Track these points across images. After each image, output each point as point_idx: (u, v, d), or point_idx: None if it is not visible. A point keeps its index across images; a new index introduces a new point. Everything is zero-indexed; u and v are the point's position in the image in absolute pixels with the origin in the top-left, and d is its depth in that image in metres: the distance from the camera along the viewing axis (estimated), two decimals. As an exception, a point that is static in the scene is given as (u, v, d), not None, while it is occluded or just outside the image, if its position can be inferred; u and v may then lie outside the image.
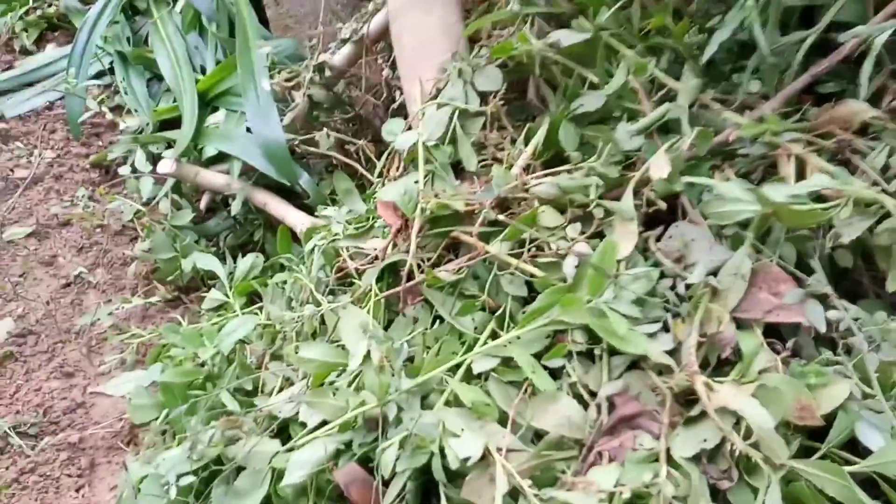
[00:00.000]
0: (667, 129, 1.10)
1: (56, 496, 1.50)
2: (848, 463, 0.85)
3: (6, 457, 1.55)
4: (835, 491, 0.81)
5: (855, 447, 0.91)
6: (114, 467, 1.58)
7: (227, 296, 1.83)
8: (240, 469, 1.27)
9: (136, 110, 2.29)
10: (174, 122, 2.19)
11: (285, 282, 1.70)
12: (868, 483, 0.85)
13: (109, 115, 2.42)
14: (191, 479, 1.24)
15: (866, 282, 1.00)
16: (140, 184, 2.05)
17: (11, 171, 2.31)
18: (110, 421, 1.66)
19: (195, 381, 1.50)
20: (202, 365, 1.54)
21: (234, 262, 1.91)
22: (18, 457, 1.55)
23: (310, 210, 1.86)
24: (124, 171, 2.04)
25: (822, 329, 0.91)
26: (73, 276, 2.02)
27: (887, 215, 0.88)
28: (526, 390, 1.09)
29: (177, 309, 1.97)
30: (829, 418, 0.88)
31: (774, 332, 0.95)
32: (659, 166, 0.98)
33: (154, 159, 2.07)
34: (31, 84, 2.54)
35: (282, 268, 1.84)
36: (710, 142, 1.02)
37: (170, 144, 2.09)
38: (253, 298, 1.85)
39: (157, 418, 1.49)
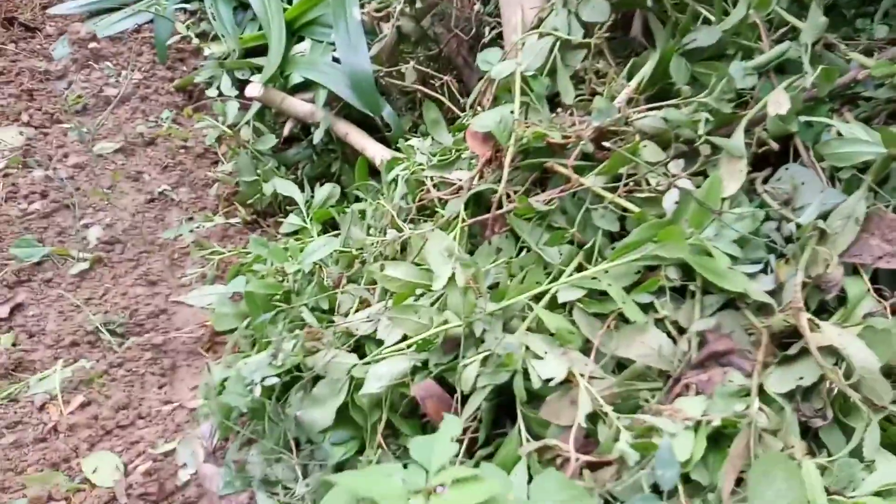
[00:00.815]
0: (783, 69, 1.07)
1: (141, 390, 1.59)
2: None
3: (98, 351, 1.65)
4: (936, 438, 0.80)
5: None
6: (193, 370, 1.67)
7: (304, 221, 1.88)
8: (317, 378, 1.32)
9: (222, 36, 2.33)
10: (259, 51, 2.23)
11: (364, 210, 1.73)
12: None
13: (195, 41, 2.47)
14: (274, 380, 1.31)
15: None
16: (225, 108, 2.10)
17: (101, 89, 2.40)
18: (191, 328, 1.74)
19: (276, 295, 1.56)
20: (283, 281, 1.60)
21: (312, 191, 1.96)
22: (108, 352, 1.65)
23: (388, 145, 1.88)
24: (211, 93, 2.09)
25: (935, 280, 0.89)
26: (157, 193, 2.10)
27: None
28: (610, 323, 1.10)
29: (254, 231, 2.03)
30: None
31: (884, 280, 0.93)
32: (777, 102, 0.96)
33: (239, 85, 2.12)
34: (122, 6, 2.60)
35: (357, 199, 1.88)
36: (834, 81, 0.99)
37: (255, 71, 2.13)
38: (328, 228, 1.90)
39: (239, 327, 1.56)
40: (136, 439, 1.50)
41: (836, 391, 0.85)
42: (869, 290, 0.91)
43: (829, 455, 0.84)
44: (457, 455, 1.15)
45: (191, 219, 2.05)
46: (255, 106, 2.05)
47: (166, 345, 1.71)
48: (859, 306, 0.89)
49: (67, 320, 1.70)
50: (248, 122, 2.06)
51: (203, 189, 2.14)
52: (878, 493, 0.72)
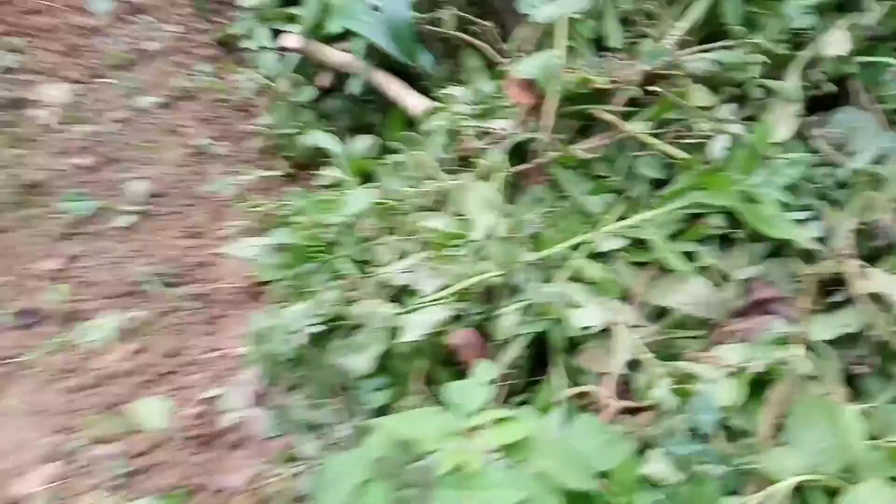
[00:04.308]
0: (843, 7, 1.01)
1: (188, 338, 1.65)
2: None
3: (146, 300, 1.71)
4: None
5: None
6: (237, 319, 1.72)
7: (342, 174, 1.89)
8: (357, 327, 1.35)
9: (257, -13, 2.30)
10: (295, 0, 2.20)
11: (401, 162, 1.73)
12: None
13: (229, -8, 2.45)
14: (317, 328, 1.34)
15: None
16: (262, 59, 2.09)
17: (141, 43, 2.42)
18: (234, 279, 1.79)
19: (317, 246, 1.58)
20: (324, 232, 1.62)
21: (349, 143, 1.96)
22: (157, 301, 1.71)
23: (426, 95, 1.85)
24: (247, 45, 2.09)
25: None
26: (199, 146, 2.13)
27: None
28: (652, 273, 1.09)
29: (293, 184, 2.05)
30: None
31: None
32: (836, 42, 0.91)
33: (276, 36, 2.11)
34: (158, -42, 2.59)
35: (394, 152, 1.88)
36: (900, 18, 0.93)
37: (292, 21, 2.11)
38: (366, 180, 1.90)
39: (282, 277, 1.59)
40: (185, 385, 1.57)
41: (880, 339, 0.83)
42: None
43: (871, 402, 0.82)
44: (493, 400, 1.18)
45: (231, 172, 2.08)
46: (293, 57, 2.04)
47: (211, 295, 1.77)
48: (913, 254, 0.86)
49: (117, 271, 1.77)
50: (285, 74, 2.05)
51: (243, 142, 2.16)
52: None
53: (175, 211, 1.95)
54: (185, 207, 1.97)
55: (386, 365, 1.32)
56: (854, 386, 0.86)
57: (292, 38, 1.91)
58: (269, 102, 2.08)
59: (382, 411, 1.34)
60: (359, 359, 1.34)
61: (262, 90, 2.14)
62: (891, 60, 0.91)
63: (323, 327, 1.31)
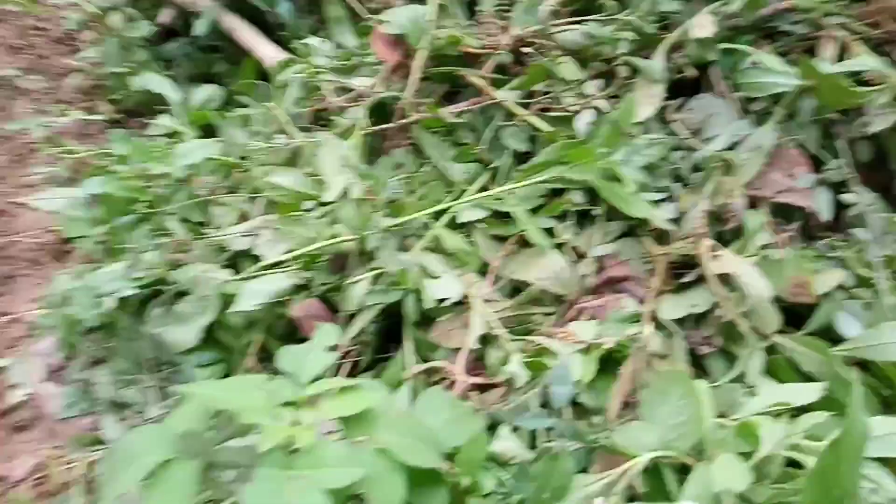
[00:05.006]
0: (708, -5, 1.03)
1: (-32, 300, 1.36)
2: (825, 345, 0.86)
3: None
4: (814, 367, 0.82)
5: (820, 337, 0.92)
6: (35, 280, 1.45)
7: (178, 124, 1.67)
8: (182, 294, 1.18)
9: None
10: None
11: (248, 116, 1.56)
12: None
13: None
14: (131, 293, 1.15)
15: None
16: (92, -15, 1.80)
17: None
18: (35, 233, 1.51)
19: (140, 199, 1.37)
20: (149, 186, 1.41)
21: (189, 92, 1.74)
22: (-73, 254, 1.39)
23: (283, 47, 1.70)
24: (74, -34, 1.79)
25: (826, 217, 0.90)
26: (2, 78, 1.79)
27: (917, 113, 0.87)
28: (510, 247, 1.05)
29: (119, 131, 1.78)
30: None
31: (781, 214, 0.94)
32: (702, 25, 0.92)
33: (110, -39, 1.83)
34: None
35: (243, 106, 1.70)
36: (759, 9, 0.96)
37: (129, -54, 1.84)
38: (207, 134, 1.70)
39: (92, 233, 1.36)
40: (-39, 355, 1.29)
41: (726, 319, 0.84)
42: (768, 222, 0.91)
43: (714, 381, 0.84)
44: (334, 369, 1.08)
45: (42, 111, 1.77)
46: (128, -13, 1.77)
47: (4, 250, 1.48)
48: (756, 238, 0.89)
49: None
50: (119, 6, 1.78)
51: (59, 79, 1.85)
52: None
53: (-38, 149, 1.62)
54: (-23, 146, 1.64)
55: (214, 338, 1.17)
56: (699, 366, 0.87)
57: (128, -37, 1.65)
58: (95, 37, 1.80)
59: (207, 389, 1.19)
60: (182, 330, 1.17)
61: (88, 22, 1.85)
62: (748, 48, 0.94)
63: (139, 292, 1.13)
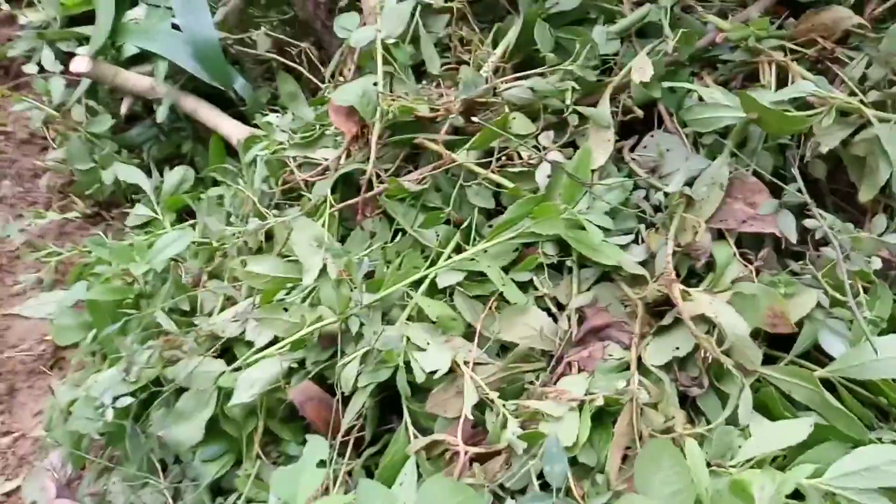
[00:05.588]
0: (644, 33, 1.05)
1: (-28, 423, 1.37)
2: (811, 370, 0.87)
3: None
4: (802, 395, 0.83)
5: (808, 357, 0.94)
6: (36, 392, 1.46)
7: (154, 211, 1.69)
8: (181, 391, 1.19)
9: (39, 2, 2.01)
10: (84, 18, 1.94)
11: (222, 196, 1.57)
12: (827, 388, 0.88)
13: (6, 7, 2.12)
14: (128, 400, 1.16)
15: (829, 196, 1.02)
16: (49, 85, 1.82)
17: None
18: (30, 344, 1.52)
19: (125, 299, 1.38)
20: (132, 283, 1.42)
21: (161, 176, 1.76)
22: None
23: (245, 120, 1.71)
24: (30, 69, 1.80)
25: (794, 239, 0.91)
26: (-26, 188, 1.80)
27: (863, 126, 0.88)
28: (492, 305, 1.06)
29: (97, 226, 1.80)
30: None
31: (747, 244, 0.95)
32: (641, 69, 0.94)
33: (64, 59, 1.84)
34: None
35: (215, 183, 1.71)
36: (694, 45, 0.98)
37: (81, 42, 1.85)
38: (184, 216, 1.71)
39: (84, 340, 1.37)
40: (-29, 480, 1.30)
41: (710, 359, 0.86)
42: (735, 254, 0.92)
43: (708, 422, 0.85)
44: (343, 456, 1.09)
45: (20, 216, 1.78)
46: (85, 82, 1.79)
47: (3, 365, 1.49)
48: (727, 271, 0.90)
49: None
50: (78, 101, 1.80)
51: (31, 181, 1.86)
52: (754, 464, 0.73)
53: (-55, 268, 1.63)
54: (-41, 263, 1.65)
55: (218, 430, 1.18)
56: (690, 407, 0.88)
57: (82, 62, 1.67)
58: (60, 134, 1.81)
59: (218, 483, 1.20)
60: (184, 428, 1.18)
61: (50, 120, 1.86)
62: (690, 86, 0.95)
63: (132, 399, 1.14)
